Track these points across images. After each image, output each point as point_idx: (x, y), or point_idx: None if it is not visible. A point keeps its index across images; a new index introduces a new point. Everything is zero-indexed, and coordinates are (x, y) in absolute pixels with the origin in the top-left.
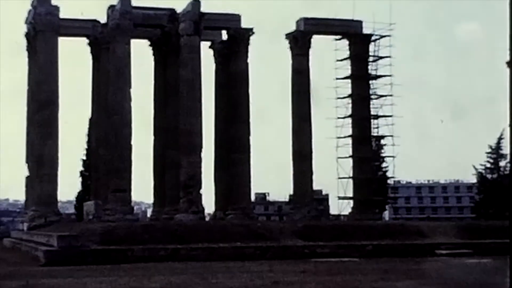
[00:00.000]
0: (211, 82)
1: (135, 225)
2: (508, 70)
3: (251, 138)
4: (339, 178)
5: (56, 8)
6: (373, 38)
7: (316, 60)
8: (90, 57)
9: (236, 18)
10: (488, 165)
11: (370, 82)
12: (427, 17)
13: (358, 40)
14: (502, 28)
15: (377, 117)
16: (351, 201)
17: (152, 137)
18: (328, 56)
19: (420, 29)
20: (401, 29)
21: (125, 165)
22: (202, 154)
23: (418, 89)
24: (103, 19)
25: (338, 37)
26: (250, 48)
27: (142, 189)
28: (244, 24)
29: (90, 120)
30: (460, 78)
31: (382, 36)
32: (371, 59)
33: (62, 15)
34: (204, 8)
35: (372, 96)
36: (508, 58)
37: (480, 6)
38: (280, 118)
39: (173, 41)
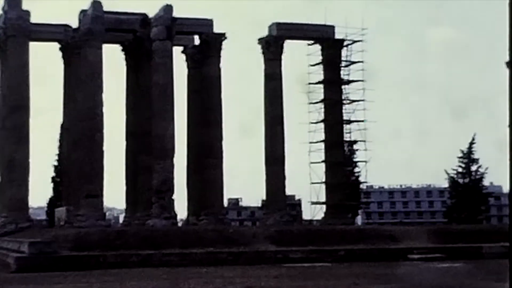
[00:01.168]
0: (183, 87)
1: (107, 231)
2: (507, 70)
3: (223, 142)
4: (312, 183)
5: (27, 13)
6: (345, 43)
7: (288, 65)
8: (61, 62)
9: (209, 23)
10: (460, 169)
11: (343, 87)
12: (400, 21)
13: (330, 45)
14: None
15: (349, 122)
16: (324, 206)
17: (124, 142)
18: (301, 61)
19: (394, 33)
20: (373, 34)
21: (97, 170)
22: (175, 159)
23: (393, 93)
24: (74, 23)
25: (310, 42)
26: (222, 53)
27: (115, 194)
28: (216, 29)
29: (62, 125)
30: (435, 80)
31: (354, 41)
32: (343, 64)
33: (34, 19)
34: (176, 13)
35: (345, 101)
36: (507, 58)
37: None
38: (252, 123)
39: (145, 45)
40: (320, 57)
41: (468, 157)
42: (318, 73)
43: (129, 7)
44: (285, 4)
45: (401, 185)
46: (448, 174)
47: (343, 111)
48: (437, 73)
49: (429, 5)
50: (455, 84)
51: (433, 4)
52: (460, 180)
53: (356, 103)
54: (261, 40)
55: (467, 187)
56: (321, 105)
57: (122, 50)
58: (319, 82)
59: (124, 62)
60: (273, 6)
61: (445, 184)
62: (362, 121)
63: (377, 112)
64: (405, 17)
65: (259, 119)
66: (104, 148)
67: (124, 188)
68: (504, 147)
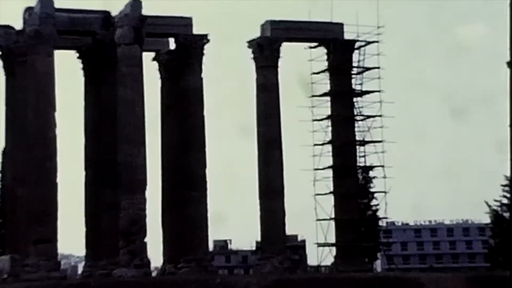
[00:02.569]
0: (156, 103)
1: (63, 284)
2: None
3: (207, 170)
4: (318, 220)
5: None
6: (357, 44)
7: (286, 73)
8: (1, 72)
9: (187, 22)
10: (505, 200)
11: (355, 99)
12: (423, 17)
13: (338, 47)
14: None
15: (363, 143)
16: (334, 249)
17: (84, 173)
18: (302, 68)
19: (414, 32)
20: (393, 32)
21: (50, 208)
22: (147, 193)
23: (418, 106)
24: (18, 24)
25: (313, 44)
26: (204, 59)
27: (72, 238)
28: (196, 30)
29: (4, 151)
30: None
31: (368, 42)
32: (355, 71)
33: None
34: (146, 11)
35: (357, 117)
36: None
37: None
38: (243, 146)
39: (108, 51)
40: (326, 63)
41: (510, 216)
42: (324, 83)
43: (88, 4)
44: None
45: (430, 221)
46: (489, 206)
47: (356, 129)
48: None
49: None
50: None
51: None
52: (505, 214)
53: (371, 119)
54: (252, 43)
55: None
56: (328, 123)
57: (79, 57)
58: (325, 94)
59: (81, 72)
60: (266, 0)
61: (486, 220)
62: (380, 141)
63: (398, 131)
64: (432, 13)
65: (251, 141)
66: (58, 180)
67: (83, 230)
68: None
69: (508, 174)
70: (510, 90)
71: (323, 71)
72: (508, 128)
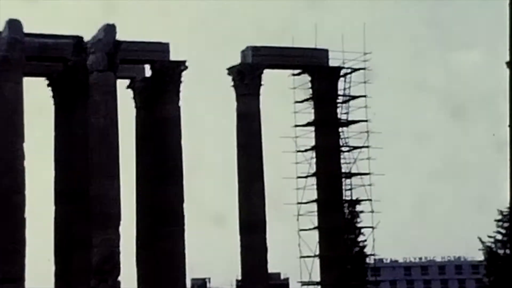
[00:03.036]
0: (130, 132)
1: None
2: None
3: (185, 204)
4: (302, 257)
5: None
6: (342, 72)
7: (268, 102)
8: None
9: (164, 48)
10: (499, 236)
11: (340, 129)
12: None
13: (323, 74)
14: None
15: (350, 175)
16: (319, 287)
17: (53, 207)
18: (284, 97)
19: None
20: (378, 58)
21: (17, 245)
22: (121, 228)
23: (406, 137)
24: None
25: (297, 71)
26: (182, 87)
27: (40, 277)
28: (174, 56)
29: None
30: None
31: (354, 70)
32: (340, 99)
33: None
34: (120, 35)
35: (343, 148)
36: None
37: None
38: (223, 177)
39: (80, 78)
40: (310, 91)
41: (509, 220)
42: (308, 112)
43: (58, 29)
44: (263, 23)
45: (421, 258)
46: (483, 243)
47: (342, 161)
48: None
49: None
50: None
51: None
52: (500, 251)
53: (358, 150)
54: (232, 70)
55: (509, 259)
56: (312, 154)
57: (49, 84)
58: (308, 124)
59: (51, 101)
60: (247, 25)
61: (480, 257)
62: (367, 174)
63: (386, 163)
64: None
65: (231, 172)
66: (26, 215)
67: (52, 268)
68: None
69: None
70: (510, 90)
71: (306, 100)
72: (508, 128)
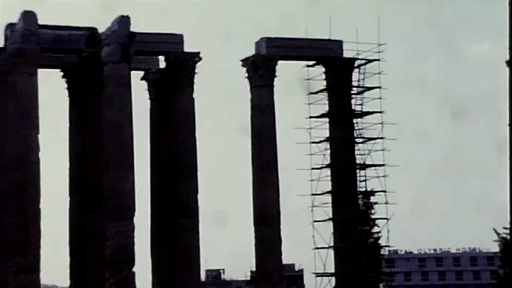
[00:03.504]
0: (145, 125)
1: None
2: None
3: (199, 196)
4: (316, 248)
5: None
6: (357, 63)
7: (282, 93)
8: None
9: (178, 39)
10: None
11: (354, 121)
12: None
13: (337, 66)
14: None
15: (364, 166)
16: (333, 279)
17: (68, 198)
18: (299, 88)
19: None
20: (393, 49)
21: (32, 237)
22: (135, 220)
23: (420, 126)
24: None
25: (311, 62)
26: (196, 78)
27: (55, 269)
28: (188, 47)
29: None
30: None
31: (369, 61)
32: (355, 90)
33: None
34: (134, 27)
35: (358, 140)
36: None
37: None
38: (237, 170)
39: (94, 70)
40: (324, 82)
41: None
42: (322, 103)
43: (73, 20)
44: (277, 13)
45: (435, 250)
46: (498, 234)
47: (356, 152)
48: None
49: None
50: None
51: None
52: None
53: (372, 141)
54: (246, 61)
55: None
56: (327, 145)
57: (64, 76)
58: (323, 115)
59: (66, 93)
60: (261, 16)
61: (495, 248)
62: (382, 165)
63: (400, 153)
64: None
65: (246, 164)
66: (41, 206)
67: (67, 260)
68: None
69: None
70: (509, 90)
71: (321, 91)
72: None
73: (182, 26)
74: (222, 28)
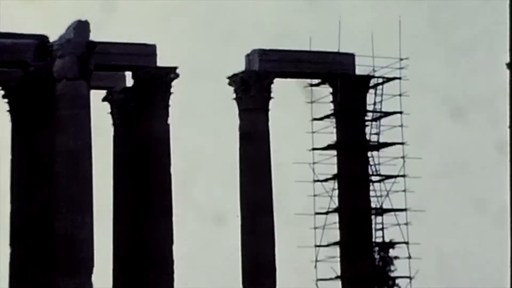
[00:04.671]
0: (107, 156)
1: None
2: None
3: (174, 245)
4: None
5: None
6: (372, 82)
7: (279, 118)
8: None
9: (149, 50)
10: None
11: (369, 154)
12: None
13: (348, 85)
14: None
15: (381, 212)
16: None
17: (8, 248)
18: (300, 112)
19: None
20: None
21: None
22: (94, 276)
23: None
24: None
25: (315, 80)
26: (172, 99)
27: None
28: (162, 61)
29: None
30: None
31: (387, 79)
32: (369, 116)
33: None
34: (95, 35)
35: (373, 178)
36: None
37: None
38: (222, 211)
39: (44, 88)
40: (332, 106)
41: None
42: (329, 132)
43: (18, 27)
44: (274, 19)
45: None
46: None
47: (371, 193)
48: None
49: None
50: None
51: None
52: None
53: (391, 180)
54: (234, 79)
55: None
56: (334, 184)
57: (5, 95)
58: (329, 147)
59: (8, 116)
60: (251, 24)
61: None
62: (403, 210)
63: (425, 195)
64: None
65: (234, 204)
66: None
67: None
68: None
69: None
70: (510, 91)
71: (327, 116)
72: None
73: (155, 34)
74: (204, 38)
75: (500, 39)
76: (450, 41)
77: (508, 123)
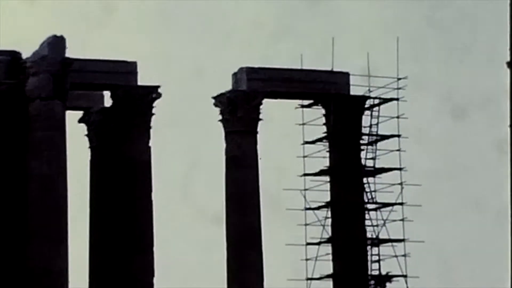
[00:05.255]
0: (84, 181)
1: None
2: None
3: (155, 277)
4: None
5: None
6: (368, 102)
7: (268, 142)
8: None
9: (130, 68)
10: None
11: (365, 180)
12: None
13: (342, 106)
14: None
15: (377, 242)
16: None
17: None
18: (291, 135)
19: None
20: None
21: None
22: None
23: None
24: None
25: (307, 101)
26: (154, 121)
27: None
28: (143, 80)
29: None
30: None
31: (384, 100)
32: (365, 140)
33: None
34: (71, 52)
35: (369, 206)
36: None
37: None
38: (208, 241)
39: (17, 108)
40: (324, 128)
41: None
42: (322, 156)
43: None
44: (262, 34)
45: None
46: None
47: (366, 222)
48: None
49: None
50: None
51: None
52: None
53: (388, 208)
54: (219, 99)
55: None
56: (327, 213)
57: None
58: (322, 172)
59: None
60: (241, 40)
61: None
62: (401, 240)
63: (426, 225)
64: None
65: (219, 234)
66: None
67: None
68: None
69: None
70: (510, 90)
71: (320, 140)
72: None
73: (135, 51)
74: (189, 54)
75: (500, 39)
76: (450, 41)
77: (508, 123)
